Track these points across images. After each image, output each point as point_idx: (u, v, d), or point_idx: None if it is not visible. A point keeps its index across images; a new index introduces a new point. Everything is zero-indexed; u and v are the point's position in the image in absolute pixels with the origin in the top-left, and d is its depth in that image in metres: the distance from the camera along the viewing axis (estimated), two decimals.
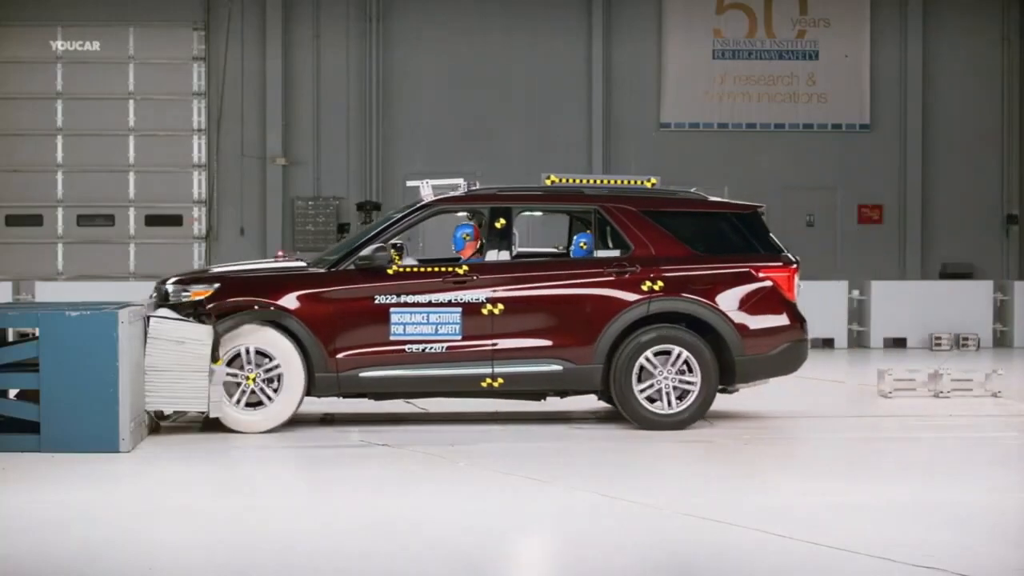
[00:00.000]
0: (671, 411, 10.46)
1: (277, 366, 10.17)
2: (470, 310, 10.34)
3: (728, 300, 10.65)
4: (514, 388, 10.50)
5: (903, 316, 19.11)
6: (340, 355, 10.23)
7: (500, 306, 10.38)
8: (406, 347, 10.28)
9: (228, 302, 10.21)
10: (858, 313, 19.54)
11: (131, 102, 23.62)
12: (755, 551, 6.46)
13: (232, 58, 23.51)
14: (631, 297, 10.51)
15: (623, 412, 10.52)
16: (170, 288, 10.34)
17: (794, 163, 24.54)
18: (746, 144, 24.44)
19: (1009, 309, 19.40)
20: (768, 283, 10.74)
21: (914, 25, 24.50)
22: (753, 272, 10.77)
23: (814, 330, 18.85)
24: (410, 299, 10.28)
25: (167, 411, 10.04)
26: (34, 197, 23.48)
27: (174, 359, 9.72)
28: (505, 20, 24.12)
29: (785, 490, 8.07)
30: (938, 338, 18.70)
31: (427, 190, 10.92)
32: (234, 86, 23.57)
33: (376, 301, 10.28)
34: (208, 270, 11.15)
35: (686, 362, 10.47)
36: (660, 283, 10.55)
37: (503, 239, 10.59)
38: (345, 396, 10.50)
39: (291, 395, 10.19)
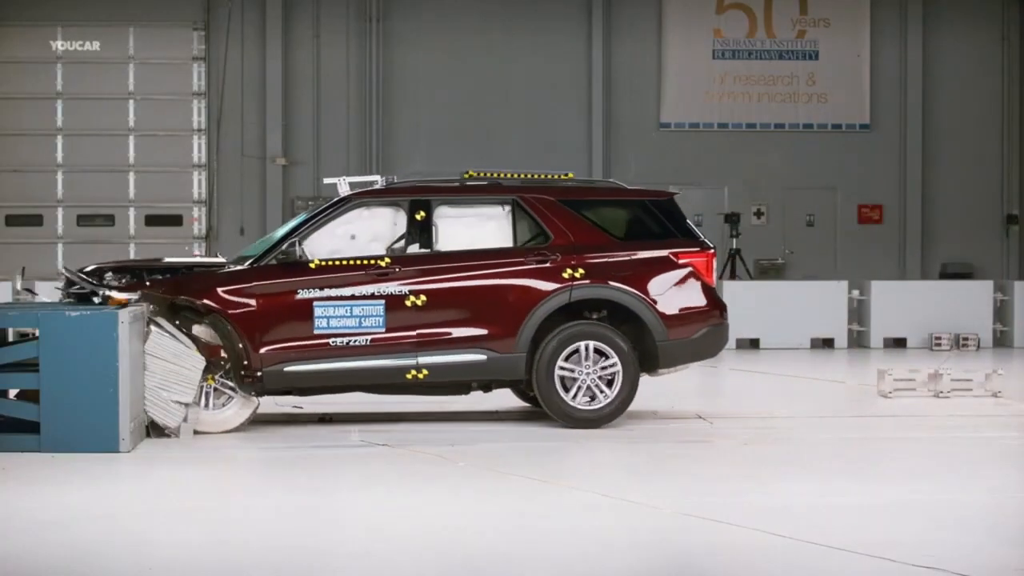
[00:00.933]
0: (596, 407, 10.52)
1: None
2: (393, 302, 10.33)
3: (649, 286, 10.71)
4: (439, 379, 10.48)
5: (903, 316, 19.11)
6: (263, 350, 10.15)
7: (423, 297, 10.38)
8: (330, 340, 10.24)
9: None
10: (858, 313, 19.54)
11: (131, 102, 23.63)
12: (755, 551, 6.46)
13: (232, 58, 23.53)
14: (553, 285, 10.56)
15: (547, 409, 10.56)
16: (109, 276, 10.28)
17: (794, 163, 24.55)
18: (746, 144, 24.45)
19: (1009, 309, 19.40)
20: (687, 268, 10.83)
21: (914, 25, 24.51)
22: (672, 258, 10.85)
23: (814, 330, 19.07)
24: (333, 292, 10.26)
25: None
26: (34, 197, 23.49)
27: (166, 370, 9.78)
28: (505, 20, 24.13)
29: (785, 490, 8.07)
30: (938, 338, 18.70)
31: (344, 187, 10.90)
32: (234, 86, 23.58)
33: (299, 295, 10.24)
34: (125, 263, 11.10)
35: (601, 353, 10.51)
36: (581, 271, 10.60)
37: (424, 232, 10.58)
38: (270, 393, 10.44)
39: (222, 396, 10.25)
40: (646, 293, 10.67)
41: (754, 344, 18.78)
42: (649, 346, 10.67)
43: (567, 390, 10.51)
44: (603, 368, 10.51)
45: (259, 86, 23.64)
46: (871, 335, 19.06)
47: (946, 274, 24.12)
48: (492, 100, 23.99)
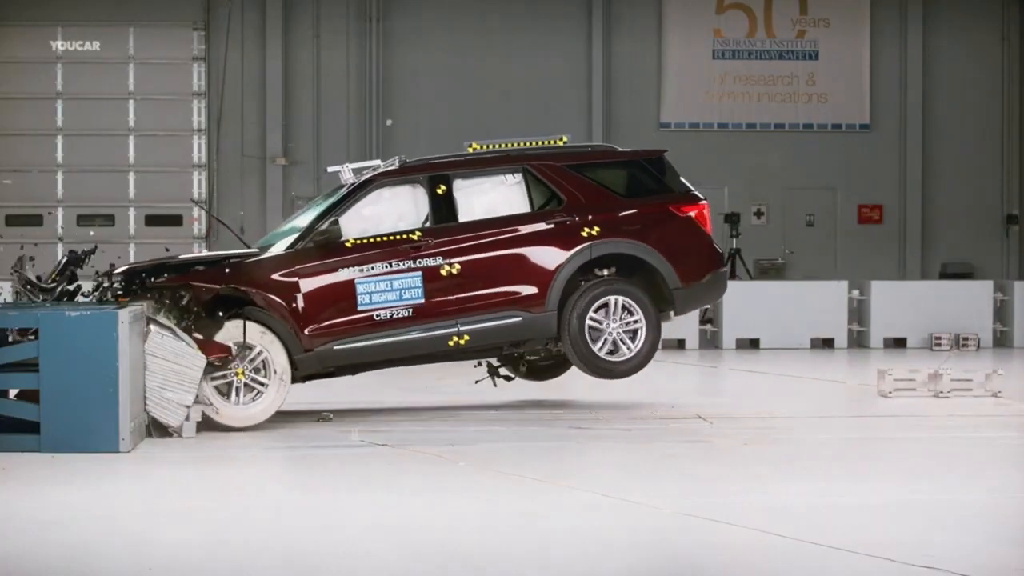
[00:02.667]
0: (622, 358, 10.99)
1: (260, 353, 10.32)
2: (429, 273, 10.66)
3: (659, 237, 11.25)
4: (479, 343, 10.85)
5: (903, 316, 19.09)
6: (312, 331, 10.38)
7: (457, 266, 10.73)
8: (374, 314, 10.53)
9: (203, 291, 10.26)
10: (858, 313, 19.53)
11: (131, 102, 23.63)
12: (755, 551, 6.46)
13: (232, 58, 23.53)
14: (574, 244, 10.99)
15: (579, 362, 10.98)
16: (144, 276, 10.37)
17: (794, 163, 24.55)
18: (746, 144, 24.45)
19: (1009, 309, 19.39)
20: (688, 218, 11.42)
21: (914, 25, 24.52)
22: (674, 210, 11.42)
23: (814, 330, 19.06)
24: (372, 268, 10.55)
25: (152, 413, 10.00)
26: (34, 197, 23.49)
27: (167, 369, 9.78)
28: (505, 20, 24.13)
29: (785, 490, 8.07)
30: (938, 338, 18.69)
31: (348, 174, 11.18)
32: (234, 86, 23.58)
33: (341, 274, 10.51)
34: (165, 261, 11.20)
35: (627, 308, 11.00)
36: (597, 228, 11.06)
37: (447, 204, 10.94)
38: (319, 375, 10.71)
39: (282, 379, 10.37)
40: (658, 244, 11.18)
41: (754, 344, 18.78)
42: (664, 294, 11.19)
43: (594, 343, 10.92)
44: (626, 323, 10.98)
45: (259, 86, 23.64)
46: (871, 335, 19.04)
47: (946, 274, 24.11)
48: (492, 100, 23.99)
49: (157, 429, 9.86)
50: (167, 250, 12.42)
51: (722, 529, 6.87)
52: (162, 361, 9.79)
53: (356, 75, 23.86)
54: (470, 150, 11.45)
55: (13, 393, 9.55)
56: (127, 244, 23.61)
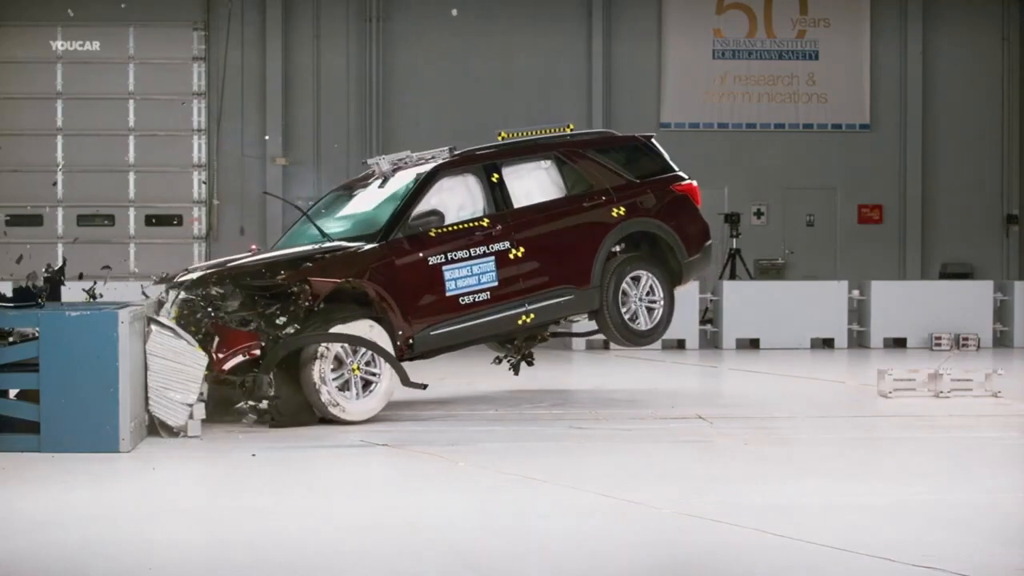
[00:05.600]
0: (646, 327, 12.29)
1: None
2: (500, 257, 11.33)
3: (669, 215, 12.43)
4: (542, 320, 11.73)
5: (903, 316, 19.10)
6: (413, 318, 10.89)
7: (522, 249, 11.43)
8: (460, 299, 11.14)
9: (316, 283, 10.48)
10: (858, 313, 19.53)
11: (131, 102, 23.63)
12: (755, 551, 6.46)
13: (232, 58, 23.53)
14: (609, 225, 12.00)
15: (612, 329, 12.03)
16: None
17: (794, 163, 24.55)
18: (746, 144, 24.45)
19: (1009, 309, 19.40)
20: (685, 196, 12.64)
21: (914, 25, 24.52)
22: (674, 189, 12.62)
23: (815, 330, 19.04)
24: (456, 255, 11.12)
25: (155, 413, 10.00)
26: (34, 197, 23.49)
27: (168, 368, 9.78)
28: (505, 20, 24.13)
29: (785, 490, 8.07)
30: (938, 338, 18.69)
31: (385, 165, 11.81)
32: (234, 86, 23.58)
33: (430, 263, 11.00)
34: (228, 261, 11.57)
35: (651, 286, 12.27)
36: (623, 209, 12.12)
37: (502, 191, 11.60)
38: (419, 358, 11.21)
39: (370, 385, 10.73)
40: (670, 221, 12.38)
41: (754, 344, 18.78)
42: (673, 267, 12.40)
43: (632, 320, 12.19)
44: (650, 298, 12.24)
45: (259, 86, 23.63)
46: (871, 335, 19.05)
47: (946, 274, 24.10)
48: (492, 100, 23.98)
49: (164, 429, 9.86)
50: (254, 248, 12.49)
51: (722, 529, 6.87)
52: (163, 360, 9.79)
53: (356, 75, 23.86)
54: (499, 139, 12.09)
55: (13, 393, 9.54)
56: (127, 244, 23.61)
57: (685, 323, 18.00)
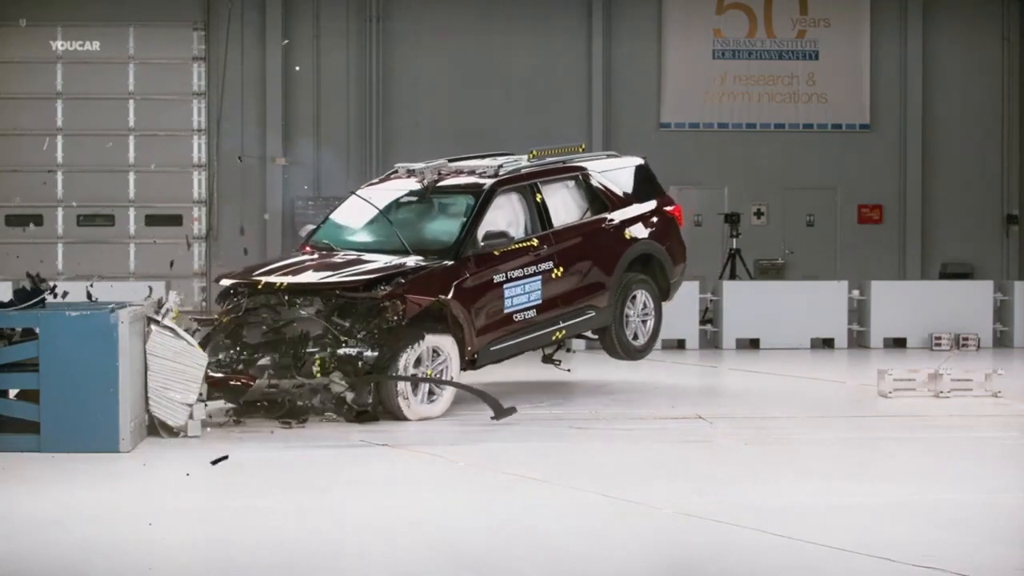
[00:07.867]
0: (641, 342, 13.01)
1: (444, 360, 11.00)
2: (545, 276, 11.82)
3: (664, 236, 13.13)
4: (569, 335, 12.43)
5: (903, 316, 19.08)
6: (477, 334, 11.21)
7: (560, 269, 11.94)
8: (515, 315, 11.57)
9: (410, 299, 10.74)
10: (858, 313, 19.52)
11: (131, 102, 23.62)
12: (755, 551, 6.46)
13: (232, 58, 23.51)
14: (623, 246, 12.64)
15: (617, 346, 12.73)
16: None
17: (794, 163, 24.54)
18: (746, 144, 24.44)
19: (1009, 309, 19.38)
20: (673, 217, 13.35)
21: (914, 25, 24.50)
22: (665, 211, 13.27)
23: (815, 330, 19.03)
24: (513, 274, 11.54)
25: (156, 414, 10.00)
26: (34, 197, 23.48)
27: (168, 369, 9.78)
28: (505, 20, 24.12)
29: (785, 490, 8.07)
30: (938, 338, 18.68)
31: (432, 175, 12.06)
32: (234, 86, 23.56)
33: (495, 281, 11.37)
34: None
35: (644, 303, 12.91)
36: (631, 232, 12.75)
37: (544, 210, 12.09)
38: (477, 369, 11.55)
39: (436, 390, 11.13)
40: (665, 243, 13.08)
41: (754, 344, 18.77)
42: (662, 285, 13.10)
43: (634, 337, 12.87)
44: (643, 314, 12.87)
45: (259, 86, 23.62)
46: (871, 335, 19.03)
47: (946, 274, 24.09)
48: (492, 100, 23.97)
49: (164, 429, 9.86)
50: (307, 250, 12.36)
51: (722, 529, 6.88)
52: (163, 361, 9.79)
53: (356, 75, 23.84)
54: (530, 157, 12.38)
55: (13, 393, 9.54)
56: (127, 244, 23.61)
57: (685, 323, 18.01)
